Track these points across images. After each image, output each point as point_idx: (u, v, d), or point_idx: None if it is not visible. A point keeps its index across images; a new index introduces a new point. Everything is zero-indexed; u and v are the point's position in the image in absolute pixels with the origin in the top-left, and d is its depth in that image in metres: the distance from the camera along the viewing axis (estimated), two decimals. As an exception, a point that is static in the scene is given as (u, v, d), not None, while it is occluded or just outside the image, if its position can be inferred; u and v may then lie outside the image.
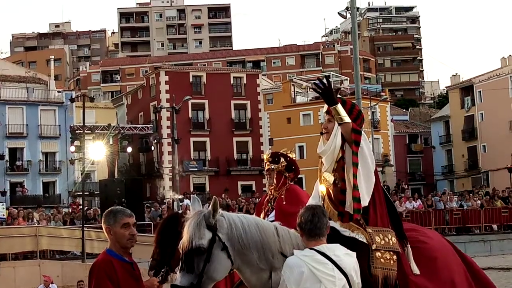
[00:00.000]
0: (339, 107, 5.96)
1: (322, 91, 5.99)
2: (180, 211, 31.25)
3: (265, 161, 8.04)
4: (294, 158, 8.10)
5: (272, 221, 7.74)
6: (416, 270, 6.08)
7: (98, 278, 5.36)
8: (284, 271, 5.22)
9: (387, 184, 50.66)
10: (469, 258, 6.77)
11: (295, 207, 6.73)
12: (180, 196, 36.51)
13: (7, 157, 59.66)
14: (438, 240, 6.61)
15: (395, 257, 5.97)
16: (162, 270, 6.79)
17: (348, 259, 5.29)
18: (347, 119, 5.95)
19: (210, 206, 5.22)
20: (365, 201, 5.91)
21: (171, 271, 6.76)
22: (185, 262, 5.14)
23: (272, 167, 7.92)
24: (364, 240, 5.91)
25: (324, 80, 6.01)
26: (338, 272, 5.14)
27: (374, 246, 5.90)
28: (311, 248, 5.25)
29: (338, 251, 5.29)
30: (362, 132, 6.05)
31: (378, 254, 5.89)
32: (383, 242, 5.96)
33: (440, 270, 6.25)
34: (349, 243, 5.59)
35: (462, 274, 6.46)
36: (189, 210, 5.43)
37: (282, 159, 7.95)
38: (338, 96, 6.40)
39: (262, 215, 8.04)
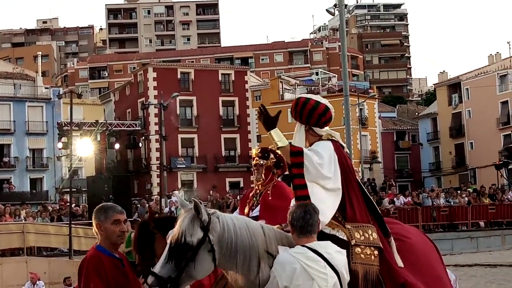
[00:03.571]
0: (273, 132, 6.03)
1: (261, 117, 6.15)
2: (157, 213, 31.16)
3: (254, 156, 8.04)
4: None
5: (255, 216, 7.79)
6: (400, 262, 6.06)
7: (87, 274, 5.36)
8: (275, 267, 5.21)
9: (374, 182, 50.70)
10: (441, 257, 6.78)
11: (280, 201, 6.73)
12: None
13: (-6, 154, 59.47)
14: (418, 236, 6.62)
15: (376, 252, 5.95)
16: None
17: (339, 256, 5.29)
18: (281, 143, 6.01)
19: (193, 206, 5.14)
20: (325, 217, 5.80)
21: None
22: (170, 254, 5.09)
23: (261, 162, 7.92)
24: (344, 237, 5.89)
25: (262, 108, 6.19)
26: (330, 269, 5.14)
27: (353, 242, 5.87)
28: (303, 245, 5.24)
29: (329, 248, 5.28)
30: (306, 151, 5.97)
31: (357, 249, 5.87)
32: (362, 238, 5.94)
33: (423, 264, 6.26)
34: (331, 241, 5.55)
35: (443, 269, 6.52)
36: (180, 207, 5.37)
37: (271, 155, 7.96)
38: (314, 97, 6.39)
39: (246, 209, 8.05)
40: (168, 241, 5.17)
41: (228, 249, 5.23)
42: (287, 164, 6.14)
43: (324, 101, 6.37)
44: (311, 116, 6.25)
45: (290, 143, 6.09)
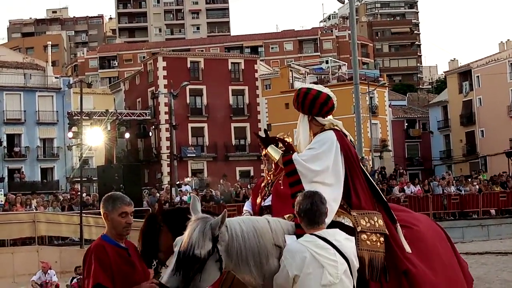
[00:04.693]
0: (269, 149, 6.56)
1: (260, 139, 6.69)
2: (177, 203, 31.19)
3: (263, 147, 8.00)
4: (291, 143, 8.07)
5: (268, 206, 7.78)
6: (408, 248, 6.09)
7: (89, 263, 5.36)
8: (285, 256, 5.24)
9: (384, 171, 50.54)
10: (453, 244, 6.80)
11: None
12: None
13: (4, 143, 59.64)
14: (427, 224, 6.66)
15: (382, 239, 5.99)
16: (153, 264, 6.93)
17: (348, 243, 5.31)
18: (277, 156, 6.43)
19: (220, 217, 5.18)
20: (328, 219, 5.80)
21: (161, 264, 6.86)
22: (178, 264, 5.11)
23: (271, 152, 7.90)
24: (350, 224, 5.94)
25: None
26: (340, 257, 5.16)
27: (359, 228, 5.93)
28: (312, 234, 5.25)
29: (338, 236, 5.29)
30: (294, 157, 6.15)
31: (363, 236, 5.92)
32: (368, 224, 6.00)
33: (431, 251, 6.29)
34: (337, 228, 5.58)
35: (453, 257, 6.54)
36: (191, 211, 5.37)
37: (280, 144, 7.92)
38: (315, 87, 6.55)
39: (258, 199, 8.04)
40: (176, 250, 5.18)
41: (239, 257, 5.29)
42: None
43: (326, 90, 6.43)
44: (313, 105, 6.32)
45: (282, 154, 6.40)
